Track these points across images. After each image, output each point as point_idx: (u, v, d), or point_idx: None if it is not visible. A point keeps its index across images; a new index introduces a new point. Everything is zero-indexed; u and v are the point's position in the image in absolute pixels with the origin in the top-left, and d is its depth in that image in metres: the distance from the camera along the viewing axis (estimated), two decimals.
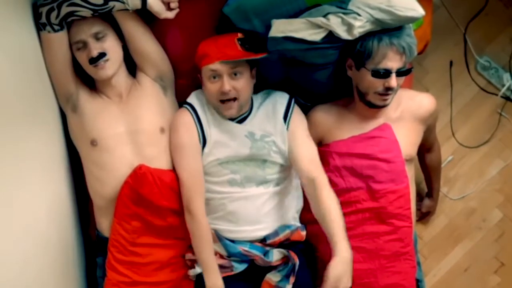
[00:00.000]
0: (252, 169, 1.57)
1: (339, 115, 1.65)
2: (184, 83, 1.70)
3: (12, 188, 1.15)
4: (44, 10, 1.43)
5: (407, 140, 1.62)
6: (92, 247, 1.69)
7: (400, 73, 1.49)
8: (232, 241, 1.58)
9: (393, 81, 1.48)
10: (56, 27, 1.45)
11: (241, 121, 1.59)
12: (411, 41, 1.49)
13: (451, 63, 2.09)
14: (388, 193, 1.57)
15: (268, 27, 1.51)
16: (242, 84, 1.51)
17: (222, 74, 1.49)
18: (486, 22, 2.06)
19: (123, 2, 1.46)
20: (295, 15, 1.52)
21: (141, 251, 1.56)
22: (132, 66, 1.63)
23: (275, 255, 1.57)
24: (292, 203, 1.63)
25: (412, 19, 1.48)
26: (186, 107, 1.60)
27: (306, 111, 1.68)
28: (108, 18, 1.52)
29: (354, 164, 1.59)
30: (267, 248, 1.58)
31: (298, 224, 1.65)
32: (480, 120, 2.11)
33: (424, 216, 2.08)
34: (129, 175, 1.53)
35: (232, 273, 1.57)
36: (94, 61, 1.48)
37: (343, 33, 1.47)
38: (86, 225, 1.73)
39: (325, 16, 1.47)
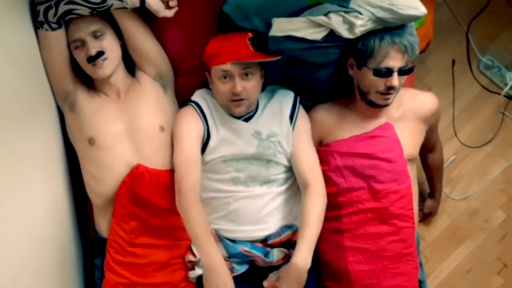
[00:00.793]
0: (257, 168, 1.57)
1: (340, 115, 1.65)
2: (184, 82, 1.69)
3: (8, 188, 1.15)
4: (41, 8, 1.42)
5: (409, 140, 1.61)
6: (90, 248, 1.68)
7: (402, 72, 1.49)
8: (233, 241, 1.57)
9: (395, 80, 1.48)
10: (54, 26, 1.45)
11: (247, 120, 1.59)
12: (413, 39, 1.49)
13: (453, 62, 2.09)
14: (390, 193, 1.57)
15: (269, 25, 1.51)
16: (253, 84, 1.51)
17: (234, 74, 1.48)
18: (489, 20, 2.06)
19: (122, 1, 1.45)
20: (296, 13, 1.52)
21: (139, 251, 1.56)
22: (131, 65, 1.63)
23: (276, 255, 1.56)
24: (294, 204, 1.63)
25: (414, 18, 1.47)
26: (191, 105, 1.60)
27: (307, 110, 1.68)
28: (106, 17, 1.52)
29: (356, 163, 1.58)
30: (268, 249, 1.58)
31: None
32: (482, 119, 2.10)
33: (426, 216, 2.08)
34: (127, 175, 1.53)
35: (233, 274, 1.55)
36: (92, 59, 1.48)
37: (344, 32, 1.46)
38: (84, 226, 1.72)
39: (326, 14, 1.47)
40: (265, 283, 1.54)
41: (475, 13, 2.05)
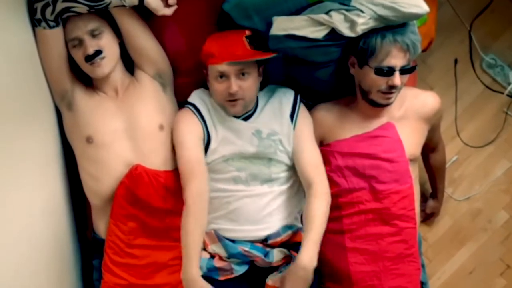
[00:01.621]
0: (258, 167, 1.56)
1: (341, 114, 1.64)
2: (184, 82, 1.69)
3: (5, 188, 1.14)
4: (39, 6, 1.42)
5: (411, 140, 1.60)
6: (88, 249, 1.68)
7: (404, 71, 1.48)
8: (233, 241, 1.56)
9: (397, 79, 1.47)
10: (51, 24, 1.44)
11: (246, 119, 1.58)
12: (415, 38, 1.48)
13: (456, 61, 2.08)
14: (392, 194, 1.56)
15: (269, 24, 1.50)
16: (249, 83, 1.51)
17: (230, 74, 1.48)
18: (492, 19, 2.05)
19: None
20: (297, 12, 1.51)
21: (137, 252, 1.55)
22: (130, 63, 1.62)
23: (276, 255, 1.56)
24: (295, 204, 1.63)
25: (416, 16, 1.46)
26: (188, 107, 1.59)
27: (308, 110, 1.67)
28: (104, 15, 1.51)
29: (357, 164, 1.57)
30: (268, 249, 1.57)
31: (300, 225, 1.64)
32: (485, 119, 2.09)
33: (428, 217, 2.07)
34: (125, 175, 1.52)
35: (232, 275, 1.55)
36: (90, 58, 1.48)
37: (345, 30, 1.46)
38: (82, 226, 1.72)
39: (327, 13, 1.46)
40: (268, 281, 1.53)
41: (477, 11, 2.04)
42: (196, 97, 1.61)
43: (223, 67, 1.47)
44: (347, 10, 1.45)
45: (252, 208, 1.55)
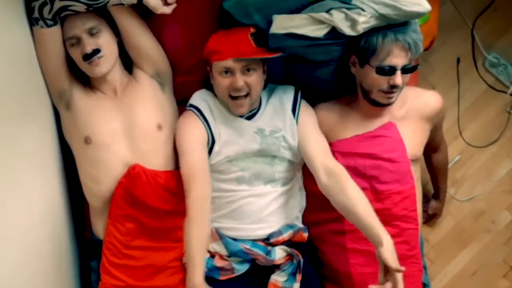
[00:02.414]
0: (261, 166, 1.56)
1: (342, 114, 1.63)
2: (183, 81, 1.68)
3: (2, 189, 1.13)
4: (36, 4, 1.41)
5: (413, 140, 1.60)
6: (87, 250, 1.67)
7: (405, 70, 1.48)
8: (234, 239, 1.56)
9: (398, 78, 1.46)
10: (49, 22, 1.43)
11: (250, 117, 1.58)
12: (417, 37, 1.47)
13: (458, 60, 2.07)
14: (393, 194, 1.55)
15: (270, 22, 1.49)
16: (254, 79, 1.50)
17: (235, 70, 1.47)
18: (495, 17, 2.05)
19: None
20: (297, 10, 1.50)
21: (135, 254, 1.54)
22: (129, 61, 1.61)
23: (278, 253, 1.55)
24: (296, 203, 1.63)
25: (418, 14, 1.46)
26: (190, 109, 1.58)
27: None
28: (103, 13, 1.50)
29: (358, 164, 1.57)
30: (269, 248, 1.56)
31: (301, 225, 1.64)
32: (488, 118, 2.09)
33: (430, 218, 2.07)
34: (123, 175, 1.51)
35: (233, 275, 1.54)
36: (88, 57, 1.47)
37: (346, 29, 1.45)
38: (80, 227, 1.71)
39: (328, 11, 1.46)
40: (271, 280, 1.52)
41: (480, 10, 2.04)
42: (198, 98, 1.60)
43: (228, 62, 1.46)
44: (348, 8, 1.45)
45: (254, 208, 1.55)
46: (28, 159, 1.32)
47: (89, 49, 1.45)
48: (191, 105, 1.59)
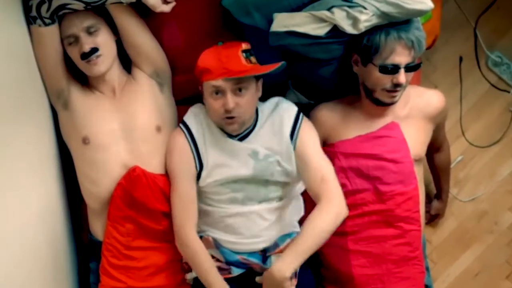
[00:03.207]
0: (255, 187, 1.53)
1: (345, 114, 1.62)
2: (182, 80, 1.67)
3: None
4: (34, 2, 1.40)
5: (416, 140, 1.59)
6: (85, 251, 1.67)
7: (409, 68, 1.47)
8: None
9: (402, 76, 1.45)
10: (47, 21, 1.42)
11: (244, 137, 1.53)
12: (420, 34, 1.47)
13: (460, 59, 2.07)
14: (396, 195, 1.55)
15: (270, 21, 1.48)
16: (246, 100, 1.44)
17: (226, 90, 1.42)
18: (498, 16, 2.05)
19: None
20: (298, 8, 1.50)
21: (136, 254, 1.54)
22: (127, 61, 1.60)
23: (274, 262, 1.52)
24: (294, 211, 1.61)
25: (421, 12, 1.45)
26: (181, 128, 1.55)
27: (310, 109, 1.66)
28: (101, 12, 1.49)
29: (361, 164, 1.56)
30: (266, 255, 1.55)
31: (298, 230, 1.61)
32: (491, 118, 2.09)
33: (432, 218, 2.06)
34: (123, 176, 1.51)
35: (230, 275, 1.53)
36: (86, 56, 1.46)
37: (348, 28, 1.44)
38: (78, 228, 1.71)
39: (329, 9, 1.45)
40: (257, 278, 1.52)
41: (483, 8, 2.04)
42: (192, 115, 1.56)
43: (218, 82, 1.42)
44: (349, 6, 1.44)
45: (248, 225, 1.53)
46: (25, 159, 1.31)
47: (87, 48, 1.44)
48: (184, 123, 1.55)
